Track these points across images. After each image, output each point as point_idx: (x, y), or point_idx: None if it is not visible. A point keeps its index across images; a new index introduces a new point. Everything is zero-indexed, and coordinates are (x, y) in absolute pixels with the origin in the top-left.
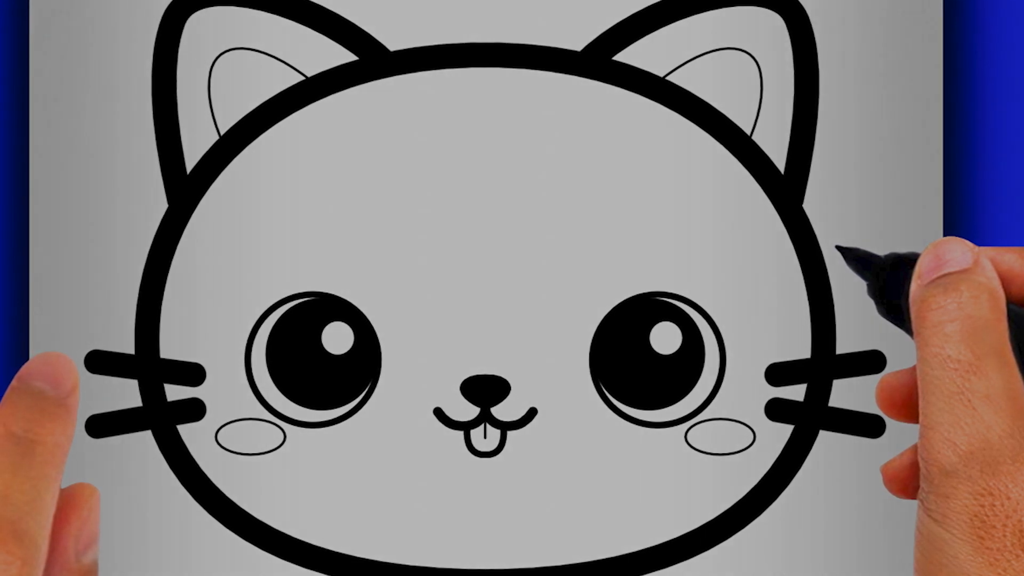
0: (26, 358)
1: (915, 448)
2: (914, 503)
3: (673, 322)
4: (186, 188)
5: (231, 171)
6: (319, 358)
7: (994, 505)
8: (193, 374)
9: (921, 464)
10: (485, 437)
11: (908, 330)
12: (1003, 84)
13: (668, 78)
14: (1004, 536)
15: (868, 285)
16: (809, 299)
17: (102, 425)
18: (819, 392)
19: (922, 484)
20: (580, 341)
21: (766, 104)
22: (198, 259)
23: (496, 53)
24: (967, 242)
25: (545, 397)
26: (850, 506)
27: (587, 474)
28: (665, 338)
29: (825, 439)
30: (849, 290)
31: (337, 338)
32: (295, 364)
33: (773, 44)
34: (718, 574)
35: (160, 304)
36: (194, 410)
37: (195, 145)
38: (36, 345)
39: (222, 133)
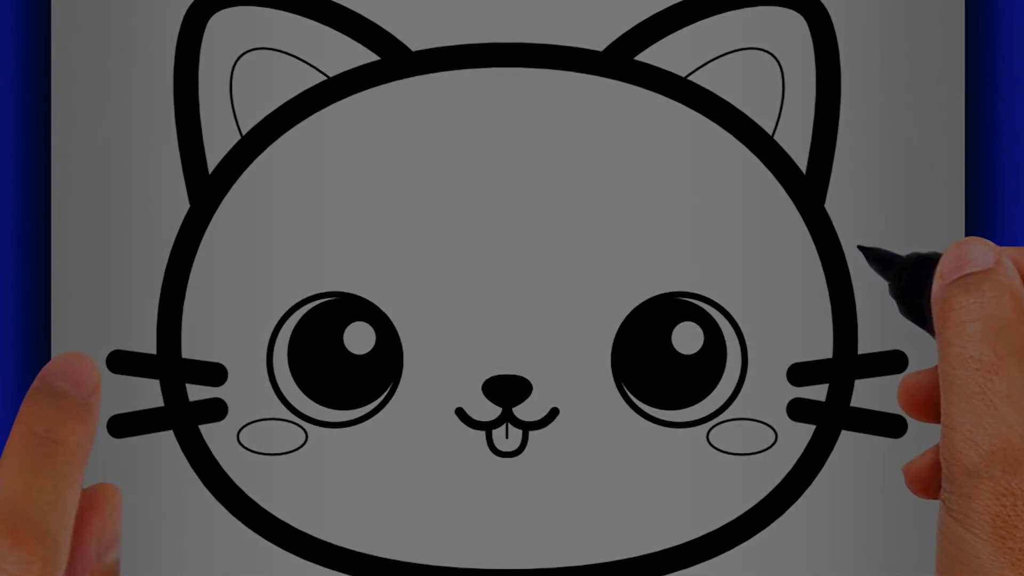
0: (48, 358)
1: (937, 448)
2: (936, 503)
3: (695, 322)
4: (208, 188)
5: (253, 171)
6: (341, 358)
7: (1016, 505)
8: (215, 374)
9: (943, 464)
10: (507, 437)
11: (930, 330)
12: None
13: (690, 78)
14: None
15: (890, 285)
16: (831, 299)
17: (124, 425)
18: (841, 392)
19: (944, 484)
20: (602, 341)
21: (788, 104)
22: (220, 259)
23: (518, 53)
24: (989, 242)
25: (567, 397)
26: (872, 506)
27: (609, 474)
28: (687, 338)
29: (847, 439)
30: (871, 290)
31: (359, 338)
32: (317, 364)
33: (795, 44)
34: (739, 574)
35: (182, 304)
36: (216, 410)
37: (217, 145)
38: (58, 345)
39: (244, 133)
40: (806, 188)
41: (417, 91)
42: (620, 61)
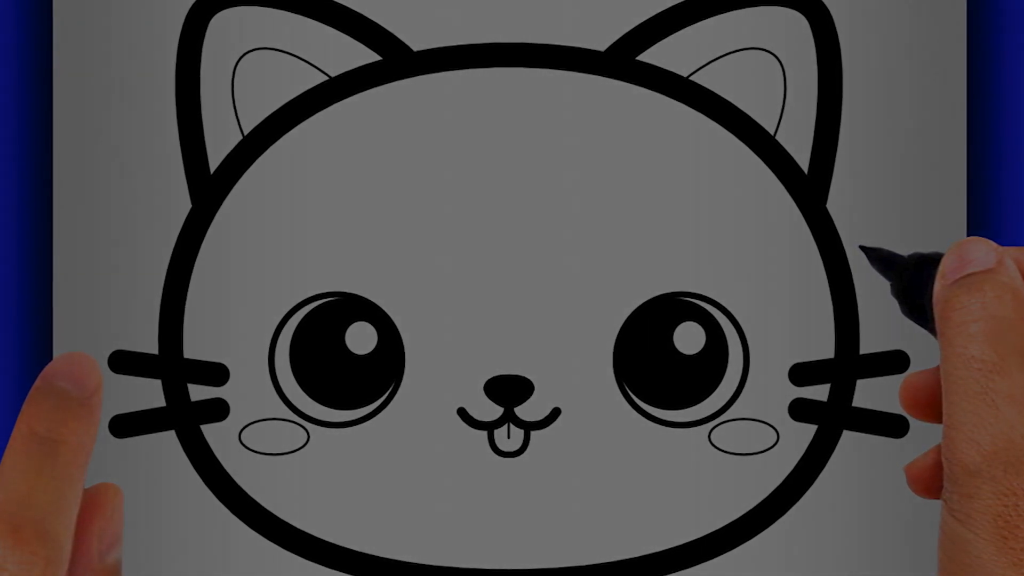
0: (49, 358)
1: (938, 448)
2: (938, 503)
3: (697, 322)
4: (210, 188)
5: (254, 171)
6: (343, 358)
7: (1018, 505)
8: (217, 374)
9: (945, 464)
10: (509, 437)
11: (932, 330)
12: None
13: (692, 78)
14: None
15: (892, 285)
16: (833, 299)
17: (126, 425)
18: (843, 392)
19: (946, 484)
20: (604, 341)
21: (790, 104)
22: (222, 259)
23: (519, 53)
24: (991, 242)
25: (569, 397)
26: (873, 506)
27: (610, 474)
28: (689, 338)
29: (849, 439)
30: (873, 290)
31: (361, 338)
32: (319, 364)
33: (797, 44)
34: (741, 574)
35: (184, 304)
36: (218, 410)
37: (219, 145)
38: (59, 345)
39: (246, 133)
40: (808, 188)
41: (419, 91)
42: (622, 61)
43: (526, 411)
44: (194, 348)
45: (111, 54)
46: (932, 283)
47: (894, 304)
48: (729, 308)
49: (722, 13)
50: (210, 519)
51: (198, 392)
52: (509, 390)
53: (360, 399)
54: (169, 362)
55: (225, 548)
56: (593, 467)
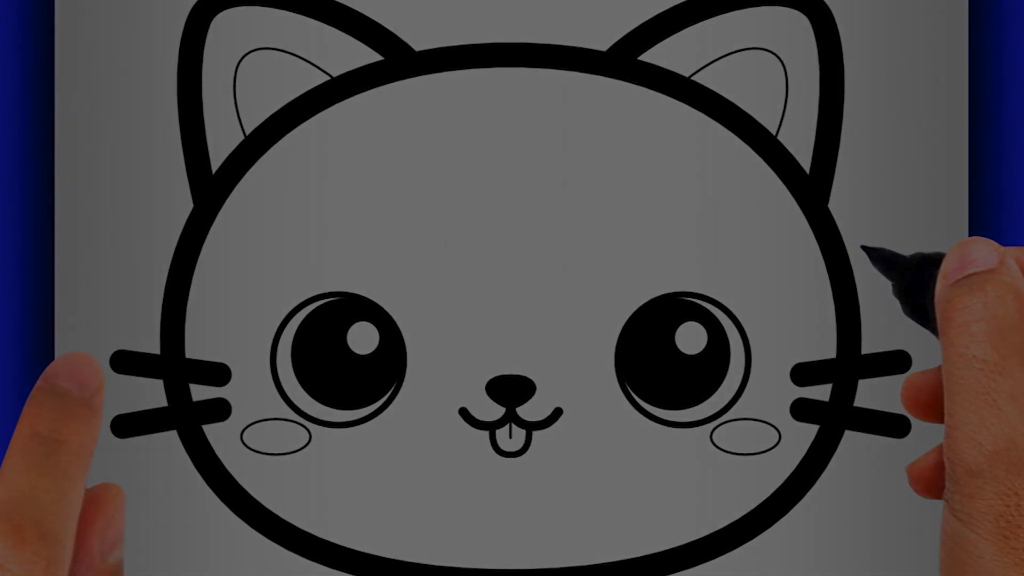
0: (51, 358)
1: (940, 448)
2: (939, 503)
3: (698, 322)
4: (211, 188)
5: (256, 171)
6: (344, 358)
7: (1020, 505)
8: (218, 374)
9: (946, 464)
10: (510, 437)
11: (933, 330)
12: None
13: (693, 78)
14: None
15: (893, 285)
16: (834, 299)
17: (127, 425)
18: (844, 392)
19: (947, 484)
20: (605, 341)
21: (791, 104)
22: (223, 259)
23: (521, 53)
24: (992, 242)
25: (570, 397)
26: (875, 506)
27: (612, 474)
28: (690, 338)
29: (850, 439)
30: (874, 290)
31: (362, 338)
32: (320, 364)
33: (798, 44)
34: (743, 575)
35: (186, 304)
36: (219, 410)
37: (220, 145)
38: (61, 345)
39: (247, 133)
40: (810, 188)
41: (420, 91)
42: (624, 61)
43: (528, 411)
44: (196, 348)
45: (112, 54)
46: (934, 283)
47: (896, 304)
48: (731, 308)
49: (724, 13)
50: (212, 519)
51: (200, 392)
52: (511, 390)
53: (362, 399)
54: (171, 362)
55: (227, 548)
56: (595, 467)
